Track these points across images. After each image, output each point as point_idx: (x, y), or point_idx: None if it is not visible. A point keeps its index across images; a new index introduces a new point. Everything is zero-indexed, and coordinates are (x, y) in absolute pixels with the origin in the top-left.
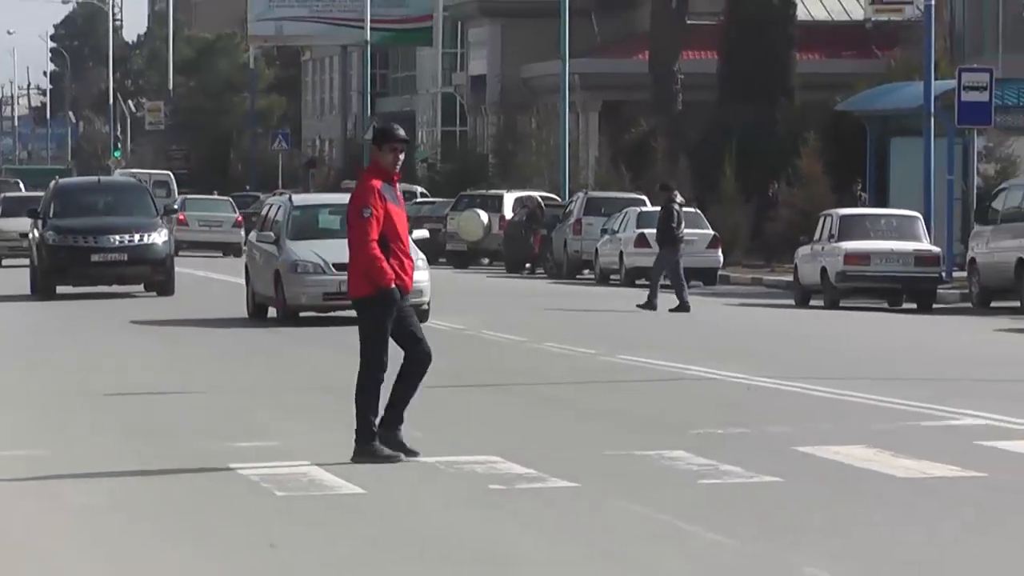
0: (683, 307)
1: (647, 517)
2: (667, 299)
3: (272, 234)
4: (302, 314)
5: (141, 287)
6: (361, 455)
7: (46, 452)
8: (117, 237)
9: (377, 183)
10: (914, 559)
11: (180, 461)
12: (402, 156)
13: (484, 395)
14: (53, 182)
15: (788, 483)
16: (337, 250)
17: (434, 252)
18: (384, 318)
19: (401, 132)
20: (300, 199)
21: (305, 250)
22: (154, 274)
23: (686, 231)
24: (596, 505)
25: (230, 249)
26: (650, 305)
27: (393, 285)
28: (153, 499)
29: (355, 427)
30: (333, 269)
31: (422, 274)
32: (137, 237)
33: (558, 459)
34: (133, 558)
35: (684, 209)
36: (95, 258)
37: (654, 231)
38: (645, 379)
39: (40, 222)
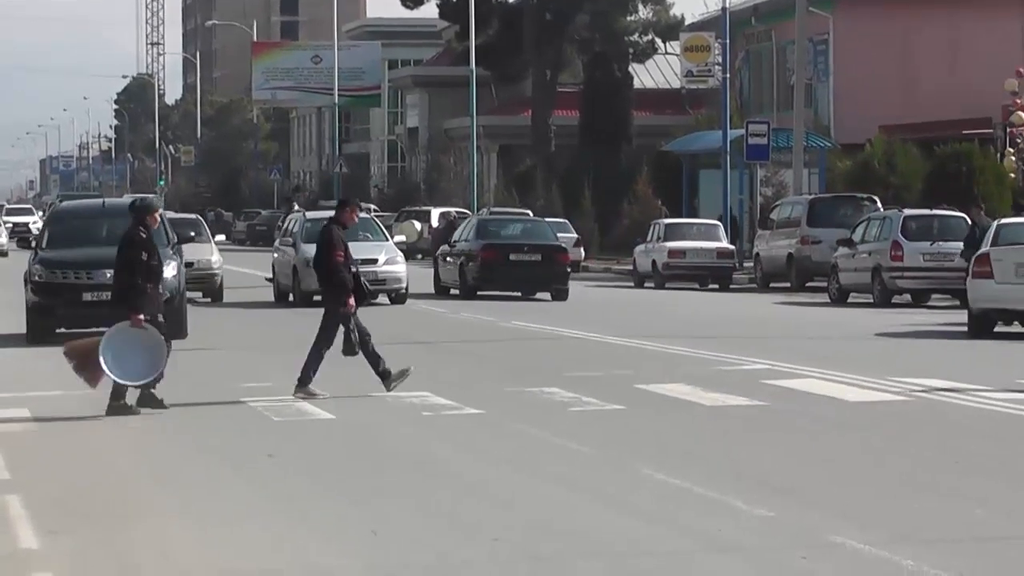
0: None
1: (532, 434)
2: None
3: (290, 239)
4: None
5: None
6: None
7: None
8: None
9: None
10: (715, 457)
11: (206, 396)
12: None
13: (418, 350)
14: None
15: (630, 410)
16: None
17: None
18: None
19: None
20: (311, 214)
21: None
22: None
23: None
24: (497, 426)
25: None
26: None
27: None
28: (186, 423)
29: None
30: None
31: (400, 267)
32: None
33: (470, 393)
34: (171, 463)
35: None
36: (87, 297)
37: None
38: (531, 338)
39: (32, 254)
